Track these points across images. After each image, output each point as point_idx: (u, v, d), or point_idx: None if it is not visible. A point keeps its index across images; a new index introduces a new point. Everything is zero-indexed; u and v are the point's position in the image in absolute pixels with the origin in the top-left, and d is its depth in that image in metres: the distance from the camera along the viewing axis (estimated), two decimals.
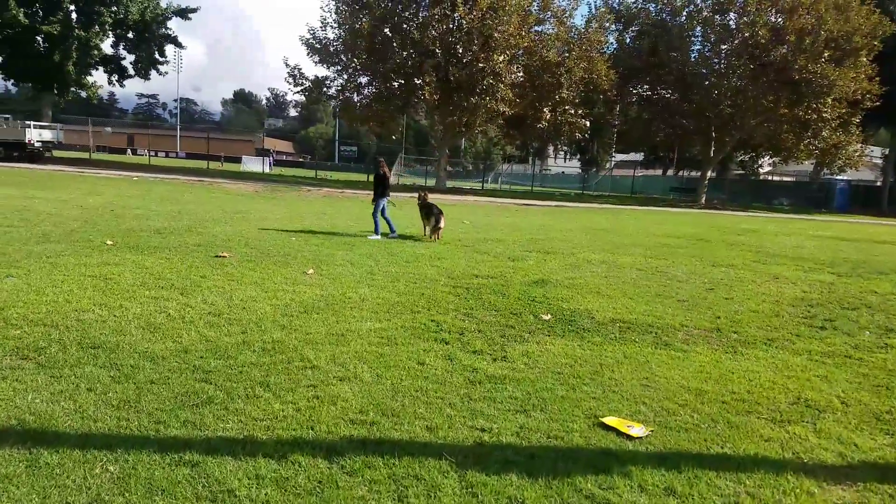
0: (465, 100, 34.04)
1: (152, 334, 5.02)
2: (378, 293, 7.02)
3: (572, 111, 36.67)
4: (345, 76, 37.25)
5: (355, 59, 35.84)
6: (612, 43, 43.21)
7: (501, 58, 32.72)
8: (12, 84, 42.86)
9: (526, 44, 34.16)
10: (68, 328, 4.96)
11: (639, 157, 63.68)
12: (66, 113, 62.56)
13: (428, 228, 12.45)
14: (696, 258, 11.61)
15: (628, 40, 43.15)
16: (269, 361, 4.57)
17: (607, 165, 69.83)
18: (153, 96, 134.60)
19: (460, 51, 33.89)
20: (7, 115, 36.02)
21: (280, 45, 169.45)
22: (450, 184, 42.93)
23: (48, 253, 7.95)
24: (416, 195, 13.18)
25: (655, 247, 13.30)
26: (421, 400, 4.03)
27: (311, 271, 7.98)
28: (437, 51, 33.15)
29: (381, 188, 12.62)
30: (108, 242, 9.09)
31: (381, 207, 12.56)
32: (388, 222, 12.63)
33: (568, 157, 78.64)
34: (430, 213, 12.36)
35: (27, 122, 33.28)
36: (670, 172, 63.01)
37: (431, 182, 42.25)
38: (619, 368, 4.91)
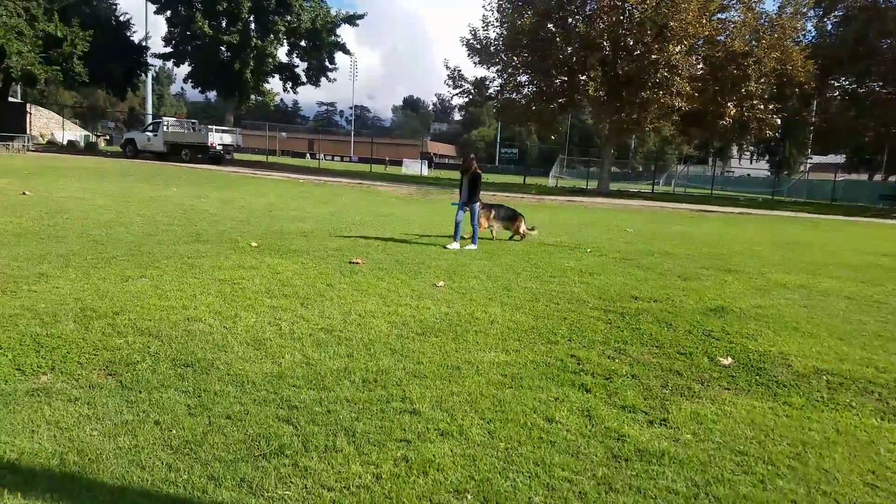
0: (634, 95, 31.72)
1: (254, 352, 4.53)
2: (511, 314, 6.08)
3: (761, 106, 32.79)
4: (504, 75, 36.58)
5: (515, 58, 35.02)
6: (809, 30, 38.33)
7: (678, 48, 30.04)
8: (199, 91, 47.65)
9: (707, 32, 31.09)
10: (171, 340, 4.62)
11: (840, 159, 55.99)
12: (257, 119, 68.79)
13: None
14: None
15: (829, 26, 38.04)
16: (366, 398, 3.84)
17: (801, 168, 62.42)
18: (332, 104, 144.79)
19: (630, 43, 31.63)
20: (194, 121, 40.05)
21: (449, 49, 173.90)
22: (615, 186, 40.63)
23: (190, 253, 8.00)
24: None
25: (867, 268, 10.88)
26: (540, 481, 3.04)
27: (441, 283, 7.25)
28: (605, 44, 31.31)
29: (477, 189, 10.76)
30: (253, 244, 9.07)
31: (476, 213, 10.82)
32: (456, 227, 10.68)
33: (755, 157, 71.56)
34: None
35: (210, 127, 36.66)
36: (878, 177, 54.66)
37: (594, 184, 40.29)
38: (829, 451, 3.53)
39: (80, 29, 35.46)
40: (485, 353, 4.83)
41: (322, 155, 65.30)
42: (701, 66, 33.13)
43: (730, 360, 5.04)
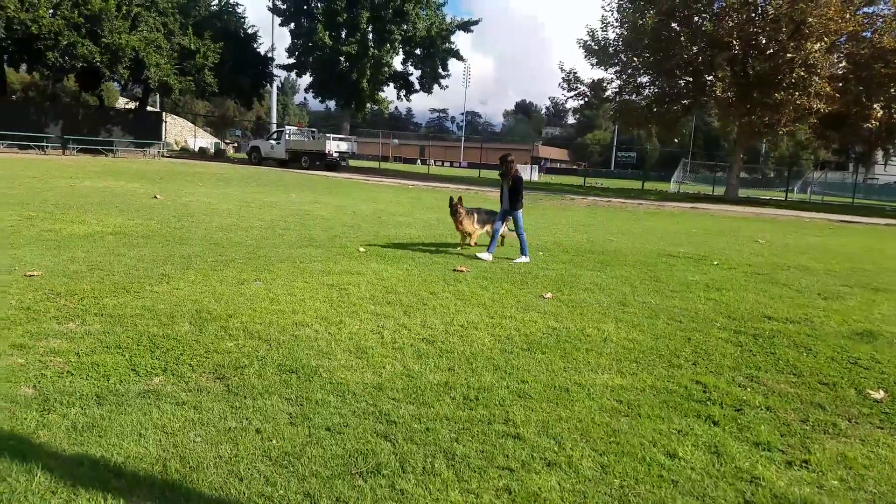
0: (766, 96, 29.55)
1: (357, 360, 4.45)
2: (627, 332, 5.64)
3: None
4: (623, 77, 35.38)
5: (636, 58, 33.77)
6: None
7: (817, 46, 27.65)
8: (319, 101, 49.73)
9: (851, 28, 28.46)
10: (279, 345, 4.64)
11: None
12: (372, 127, 71.08)
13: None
14: None
15: None
16: (466, 417, 3.62)
17: None
18: (443, 110, 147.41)
19: (763, 41, 29.60)
20: (313, 129, 41.85)
21: (564, 52, 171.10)
22: (744, 193, 38.08)
23: (302, 258, 8.18)
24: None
25: None
26: None
27: (549, 295, 6.91)
28: (734, 42, 29.44)
29: (518, 196, 9.42)
30: (361, 249, 9.15)
31: (520, 221, 9.48)
32: (494, 236, 9.60)
33: None
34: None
35: (328, 135, 38.16)
36: None
37: (720, 191, 37.96)
38: None
39: (212, 42, 38.14)
40: (597, 375, 4.46)
41: (432, 161, 66.29)
42: (843, 64, 30.40)
43: (882, 393, 4.36)
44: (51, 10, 31.32)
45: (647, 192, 37.11)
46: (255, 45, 44.19)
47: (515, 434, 3.45)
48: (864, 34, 29.68)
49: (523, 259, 9.16)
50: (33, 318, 4.85)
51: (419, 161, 76.48)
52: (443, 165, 75.28)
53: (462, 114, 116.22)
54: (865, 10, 30.47)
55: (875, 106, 29.61)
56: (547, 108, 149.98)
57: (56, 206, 11.90)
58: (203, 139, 54.25)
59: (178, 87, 37.39)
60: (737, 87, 30.62)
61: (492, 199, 25.21)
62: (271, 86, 49.79)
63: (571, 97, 37.37)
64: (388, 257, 8.68)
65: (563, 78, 36.42)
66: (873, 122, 30.05)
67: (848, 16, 28.03)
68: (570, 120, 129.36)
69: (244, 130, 77.96)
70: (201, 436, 3.21)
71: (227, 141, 62.46)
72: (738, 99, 31.11)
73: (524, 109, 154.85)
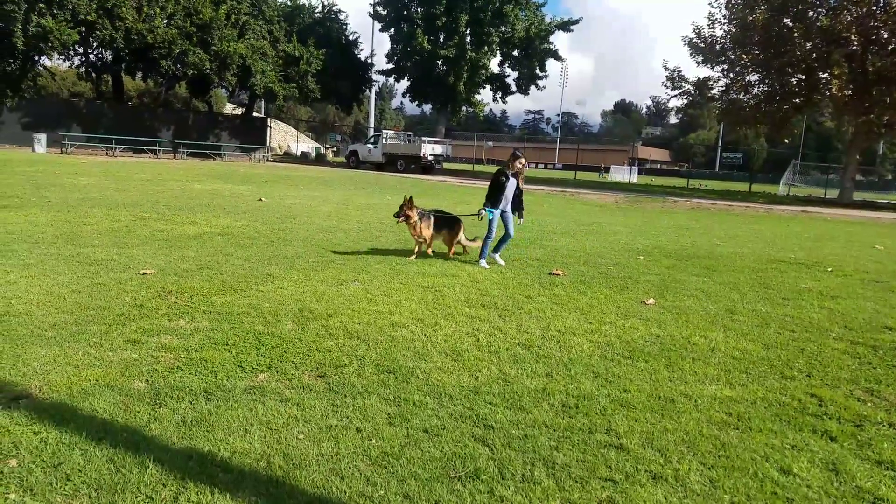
0: (887, 94, 27.44)
1: (453, 363, 4.47)
2: (736, 341, 5.35)
3: None
4: (731, 75, 33.71)
5: (744, 56, 32.10)
6: None
7: None
8: (416, 105, 50.44)
9: None
10: (377, 345, 4.74)
11: None
12: (466, 129, 71.44)
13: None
14: None
15: None
16: (566, 426, 3.55)
17: None
18: (538, 112, 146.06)
19: (885, 35, 27.57)
20: (409, 133, 42.51)
21: (670, 50, 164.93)
22: (859, 196, 35.33)
23: (398, 259, 8.32)
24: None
25: None
26: None
27: (651, 301, 6.66)
28: (852, 38, 27.45)
29: (493, 191, 8.42)
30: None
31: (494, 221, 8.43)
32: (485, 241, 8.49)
33: None
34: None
35: (423, 138, 38.66)
36: None
37: (833, 194, 35.36)
38: None
39: (315, 48, 39.57)
40: (704, 386, 4.26)
41: (526, 163, 65.86)
42: None
43: None
44: (165, 21, 33.47)
45: (755, 194, 35.11)
46: (356, 51, 45.45)
47: (618, 445, 3.35)
48: None
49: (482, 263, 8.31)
50: (146, 315, 5.14)
51: None
52: (536, 167, 74.54)
53: (558, 115, 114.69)
54: None
55: None
56: (647, 107, 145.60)
57: (167, 207, 12.67)
58: (304, 144, 56.49)
59: (283, 94, 39.09)
60: (854, 84, 28.61)
61: (587, 200, 24.75)
62: (370, 91, 51.09)
63: (675, 96, 36.11)
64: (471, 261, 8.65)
65: (666, 76, 35.25)
66: None
67: None
68: (672, 120, 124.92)
69: (343, 135, 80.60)
70: (304, 433, 3.30)
71: (327, 145, 64.72)
72: (855, 97, 29.04)
73: (623, 109, 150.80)
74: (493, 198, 8.33)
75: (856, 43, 27.93)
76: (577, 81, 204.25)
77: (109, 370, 3.95)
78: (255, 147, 41.72)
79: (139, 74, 39.69)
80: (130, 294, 5.75)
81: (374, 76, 48.17)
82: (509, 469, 3.04)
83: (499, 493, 2.83)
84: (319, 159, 48.49)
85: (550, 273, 7.93)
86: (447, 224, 8.92)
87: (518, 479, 2.95)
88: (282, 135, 55.90)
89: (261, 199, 15.57)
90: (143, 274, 6.58)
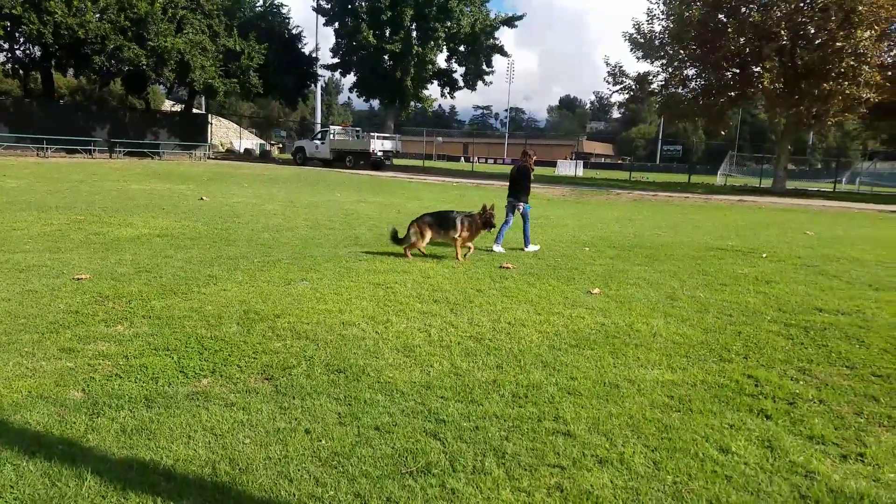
0: (815, 87, 28.77)
1: (405, 359, 4.48)
2: (677, 327, 5.54)
3: None
4: (669, 70, 34.68)
5: (682, 51, 33.12)
6: None
7: (867, 34, 26.78)
8: (363, 100, 50.05)
9: None
10: (327, 344, 4.70)
11: None
12: (415, 125, 71.28)
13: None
14: None
15: None
16: (516, 415, 3.61)
17: None
18: (487, 107, 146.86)
19: (812, 30, 28.89)
20: (358, 129, 42.15)
21: (609, 47, 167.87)
22: (792, 185, 36.93)
23: (348, 256, 8.27)
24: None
25: None
26: None
27: (596, 290, 6.82)
28: (782, 32, 28.63)
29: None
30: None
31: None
32: (501, 231, 9.56)
33: None
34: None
35: (372, 134, 38.39)
36: None
37: (768, 183, 36.85)
38: None
39: (256, 43, 38.67)
40: (647, 371, 4.40)
41: (476, 158, 66.12)
42: (893, 52, 29.36)
43: None
44: (97, 15, 32.03)
45: (694, 185, 36.34)
46: (300, 46, 44.65)
47: (566, 431, 3.43)
48: None
49: (534, 247, 9.67)
50: (81, 322, 4.94)
51: (463, 159, 76.40)
52: (486, 162, 75.02)
53: (506, 110, 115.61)
54: None
55: None
56: (591, 102, 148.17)
57: (103, 209, 12.18)
58: (248, 140, 55.28)
59: (224, 89, 38.07)
60: (785, 77, 29.94)
61: (535, 194, 25.05)
62: (315, 86, 50.31)
63: (616, 91, 36.91)
64: (433, 255, 8.69)
65: (608, 72, 35.98)
66: None
67: None
68: (616, 114, 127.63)
69: (289, 131, 79.20)
70: (250, 437, 3.25)
71: (272, 142, 63.54)
72: (786, 90, 30.37)
73: (568, 105, 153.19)
74: (528, 192, 9.71)
75: (785, 38, 29.09)
76: (524, 77, 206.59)
77: (43, 380, 3.80)
78: (195, 145, 40.55)
79: (71, 71, 37.96)
80: (64, 301, 5.53)
81: (320, 71, 47.45)
82: (460, 461, 3.07)
83: (450, 485, 2.86)
84: (264, 156, 47.53)
85: (501, 266, 8.03)
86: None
87: (469, 471, 2.99)
88: (224, 131, 54.56)
89: (202, 199, 15.18)
90: (78, 279, 6.32)
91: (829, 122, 33.53)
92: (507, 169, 48.49)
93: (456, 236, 8.43)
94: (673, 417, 3.66)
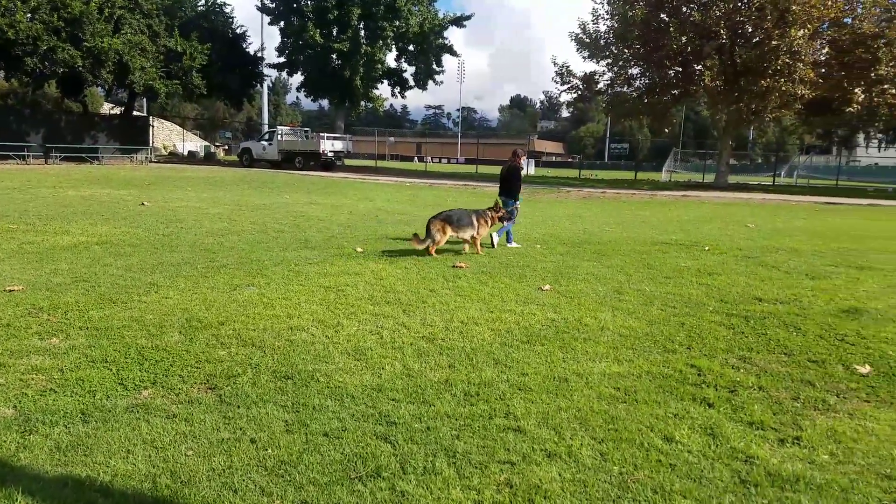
0: (753, 84, 29.88)
1: (356, 362, 4.44)
2: (623, 320, 5.66)
3: (893, 91, 29.78)
4: (615, 69, 35.40)
5: (626, 50, 33.87)
6: None
7: (801, 33, 27.93)
8: (311, 100, 49.43)
9: (832, 15, 28.76)
10: (274, 350, 4.61)
11: None
12: (367, 125, 70.77)
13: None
14: None
15: None
16: (467, 414, 3.62)
17: None
18: (439, 107, 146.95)
19: (749, 29, 30.01)
20: (307, 129, 41.58)
21: (558, 46, 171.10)
22: (734, 179, 38.23)
23: (297, 260, 8.15)
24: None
25: None
26: None
27: (547, 287, 6.91)
28: (721, 31, 29.62)
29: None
30: (359, 249, 9.12)
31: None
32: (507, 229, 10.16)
33: (883, 145, 64.93)
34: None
35: (321, 134, 37.91)
36: None
37: (711, 178, 38.05)
38: None
39: (199, 43, 37.66)
40: (595, 364, 4.48)
41: (429, 158, 66.10)
42: (826, 50, 30.71)
43: (868, 368, 4.49)
44: (28, 15, 30.68)
45: (640, 182, 37.19)
46: (245, 45, 43.69)
47: (516, 427, 3.46)
48: (845, 20, 30.02)
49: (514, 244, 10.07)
50: (13, 335, 4.72)
51: (416, 158, 76.29)
52: (440, 162, 75.05)
53: (458, 110, 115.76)
54: None
55: (856, 90, 29.85)
56: (542, 102, 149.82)
57: (38, 217, 11.68)
58: (192, 143, 53.85)
59: (165, 91, 36.97)
60: (724, 75, 30.93)
61: (489, 193, 25.18)
62: (262, 86, 49.42)
63: (564, 90, 37.43)
64: (386, 256, 8.66)
65: (556, 72, 36.43)
66: (854, 106, 30.34)
67: (829, 2, 28.34)
68: (565, 113, 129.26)
69: (235, 132, 77.58)
70: (193, 449, 3.16)
71: (218, 143, 62.12)
72: (725, 87, 31.40)
73: (519, 104, 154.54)
74: (518, 190, 10.28)
75: (725, 37, 30.02)
76: (475, 76, 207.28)
77: None
78: (136, 148, 39.23)
79: (1, 73, 36.28)
80: None
81: (266, 70, 46.63)
82: (411, 463, 3.06)
83: (400, 488, 2.85)
84: (209, 158, 46.37)
85: (454, 266, 8.04)
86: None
87: (420, 472, 2.98)
88: (167, 134, 53.01)
89: (143, 204, 14.71)
90: (10, 291, 6.03)
91: (768, 118, 34.87)
92: (461, 168, 48.47)
93: (474, 233, 9.08)
94: (619, 409, 3.73)
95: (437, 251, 8.92)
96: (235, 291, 6.34)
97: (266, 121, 55.43)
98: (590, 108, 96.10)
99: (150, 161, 38.88)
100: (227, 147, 60.38)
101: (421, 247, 8.73)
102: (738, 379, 4.27)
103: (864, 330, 5.44)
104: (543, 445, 3.26)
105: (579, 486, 2.88)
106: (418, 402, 3.79)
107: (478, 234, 9.09)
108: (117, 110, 46.43)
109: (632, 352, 4.78)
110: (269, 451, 3.17)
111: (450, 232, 8.87)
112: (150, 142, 42.01)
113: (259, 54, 45.04)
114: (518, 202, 10.32)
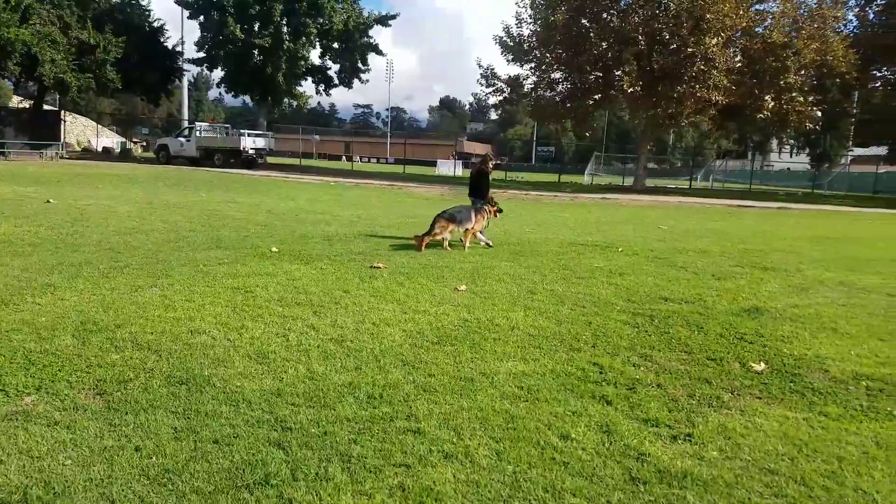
0: (670, 89, 31.16)
1: (257, 366, 4.28)
2: (534, 319, 5.73)
3: (800, 98, 31.81)
4: (538, 73, 36.14)
5: (549, 55, 34.61)
6: (851, 20, 36.93)
7: (714, 41, 29.37)
8: (233, 96, 48.20)
9: (744, 24, 30.35)
10: (170, 354, 4.40)
11: (882, 151, 53.65)
12: (294, 123, 69.27)
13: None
14: None
15: (872, 15, 36.63)
16: (368, 417, 3.56)
17: (842, 161, 60.11)
18: (368, 106, 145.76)
19: (666, 36, 31.24)
20: (227, 125, 40.38)
21: (486, 49, 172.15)
22: (652, 182, 39.76)
23: (206, 260, 7.84)
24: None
25: None
26: None
27: (462, 287, 6.93)
28: (640, 38, 30.73)
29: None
30: (274, 249, 8.87)
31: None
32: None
33: (795, 151, 69.25)
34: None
35: (242, 131, 36.90)
36: None
37: (630, 181, 39.41)
38: (868, 469, 3.18)
39: (113, 36, 35.97)
40: (502, 363, 4.50)
41: (358, 157, 65.51)
42: (738, 58, 32.37)
43: (763, 365, 4.67)
44: None
45: (563, 184, 38.08)
46: (162, 39, 42.07)
47: (416, 429, 3.42)
48: (757, 30, 31.66)
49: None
50: None
51: (344, 157, 75.42)
52: (369, 161, 74.45)
53: (387, 109, 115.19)
54: (757, 7, 32.46)
55: (767, 97, 31.62)
56: (470, 104, 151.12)
57: None
58: (108, 138, 51.36)
59: (77, 85, 35.07)
60: (643, 81, 32.01)
61: (415, 194, 25.17)
62: (181, 81, 47.66)
63: (491, 93, 37.94)
64: (302, 257, 8.44)
65: (481, 74, 36.87)
66: (765, 112, 32.13)
67: (742, 12, 29.83)
68: (494, 116, 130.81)
69: (153, 128, 74.40)
70: (72, 458, 2.98)
71: (135, 140, 59.41)
72: (644, 93, 32.54)
73: (449, 105, 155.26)
74: (487, 192, 10.86)
75: (643, 43, 31.15)
76: (405, 76, 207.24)
77: None
78: (47, 144, 37.00)
79: None
80: None
81: (185, 66, 44.96)
82: (303, 469, 2.97)
83: (288, 495, 2.76)
84: (125, 155, 44.27)
85: (371, 266, 7.93)
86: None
87: (311, 479, 2.89)
88: (81, 129, 50.37)
89: (49, 201, 13.83)
90: None
91: (684, 123, 36.51)
92: (389, 168, 48.40)
93: (470, 226, 9.85)
94: (520, 407, 3.76)
95: (427, 245, 9.47)
96: (137, 293, 6.02)
97: (186, 116, 53.51)
98: (517, 110, 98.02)
99: (62, 157, 36.76)
100: (144, 143, 57.88)
101: (434, 239, 9.54)
102: (638, 377, 4.37)
103: (762, 328, 5.67)
104: (441, 447, 3.23)
105: (472, 487, 2.87)
106: (318, 406, 3.69)
107: (473, 228, 9.90)
108: (27, 104, 43.69)
109: (539, 351, 4.84)
110: (154, 459, 3.01)
111: (452, 227, 9.67)
112: (62, 137, 39.74)
113: (178, 49, 43.42)
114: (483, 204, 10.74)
